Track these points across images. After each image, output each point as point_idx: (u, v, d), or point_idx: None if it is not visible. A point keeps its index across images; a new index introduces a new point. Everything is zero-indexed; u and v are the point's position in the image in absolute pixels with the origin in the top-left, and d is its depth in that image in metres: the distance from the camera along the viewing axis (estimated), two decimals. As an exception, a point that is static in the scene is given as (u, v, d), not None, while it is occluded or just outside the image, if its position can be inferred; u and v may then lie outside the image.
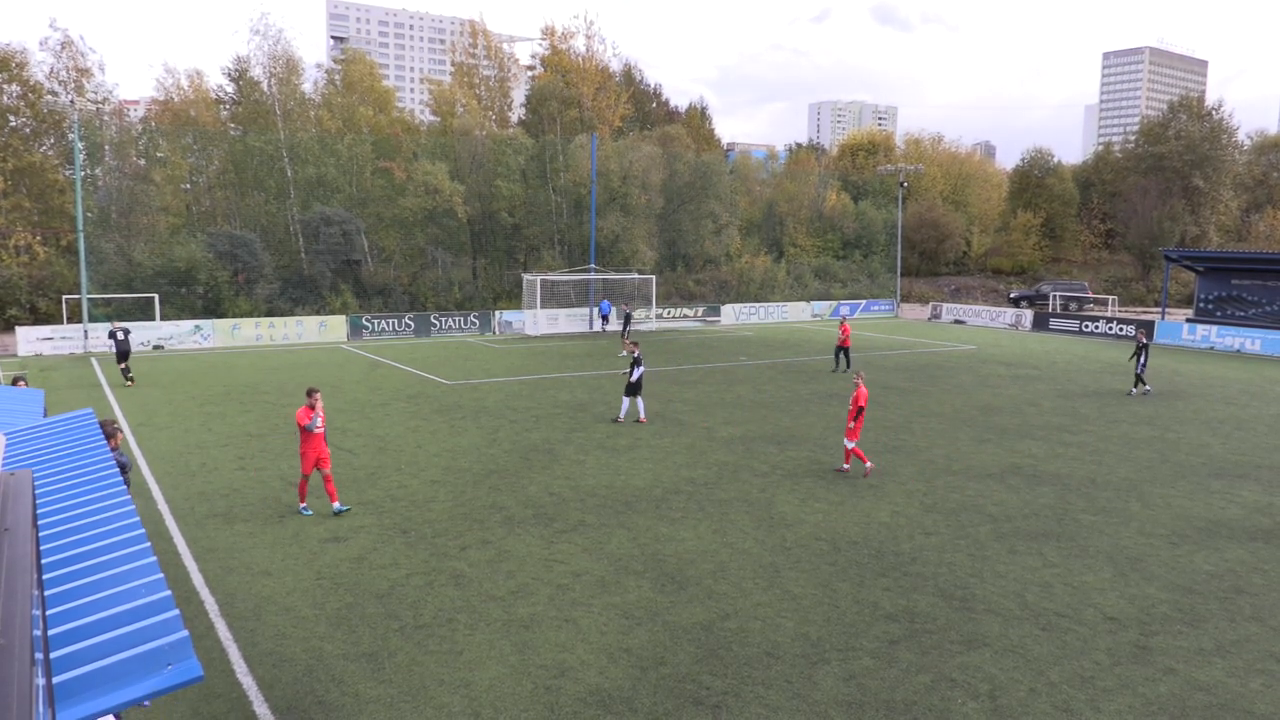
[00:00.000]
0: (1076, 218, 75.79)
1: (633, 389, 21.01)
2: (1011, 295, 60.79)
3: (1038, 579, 11.42)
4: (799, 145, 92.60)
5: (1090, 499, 15.16)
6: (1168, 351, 38.29)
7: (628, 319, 36.73)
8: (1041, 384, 27.96)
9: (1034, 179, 75.03)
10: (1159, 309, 50.90)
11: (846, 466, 16.73)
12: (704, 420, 21.44)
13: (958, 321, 51.66)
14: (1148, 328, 42.23)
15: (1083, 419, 22.33)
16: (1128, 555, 12.37)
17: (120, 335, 26.92)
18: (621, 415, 21.14)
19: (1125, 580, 11.43)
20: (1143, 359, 26.09)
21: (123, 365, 26.75)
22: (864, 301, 57.39)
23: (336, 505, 13.78)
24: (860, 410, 16.23)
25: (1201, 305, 43.74)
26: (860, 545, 12.60)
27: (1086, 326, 45.18)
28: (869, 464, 16.54)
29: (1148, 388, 26.44)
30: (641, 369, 21.15)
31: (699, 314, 49.50)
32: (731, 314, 50.45)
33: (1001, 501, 14.91)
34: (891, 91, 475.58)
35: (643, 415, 21.06)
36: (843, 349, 29.93)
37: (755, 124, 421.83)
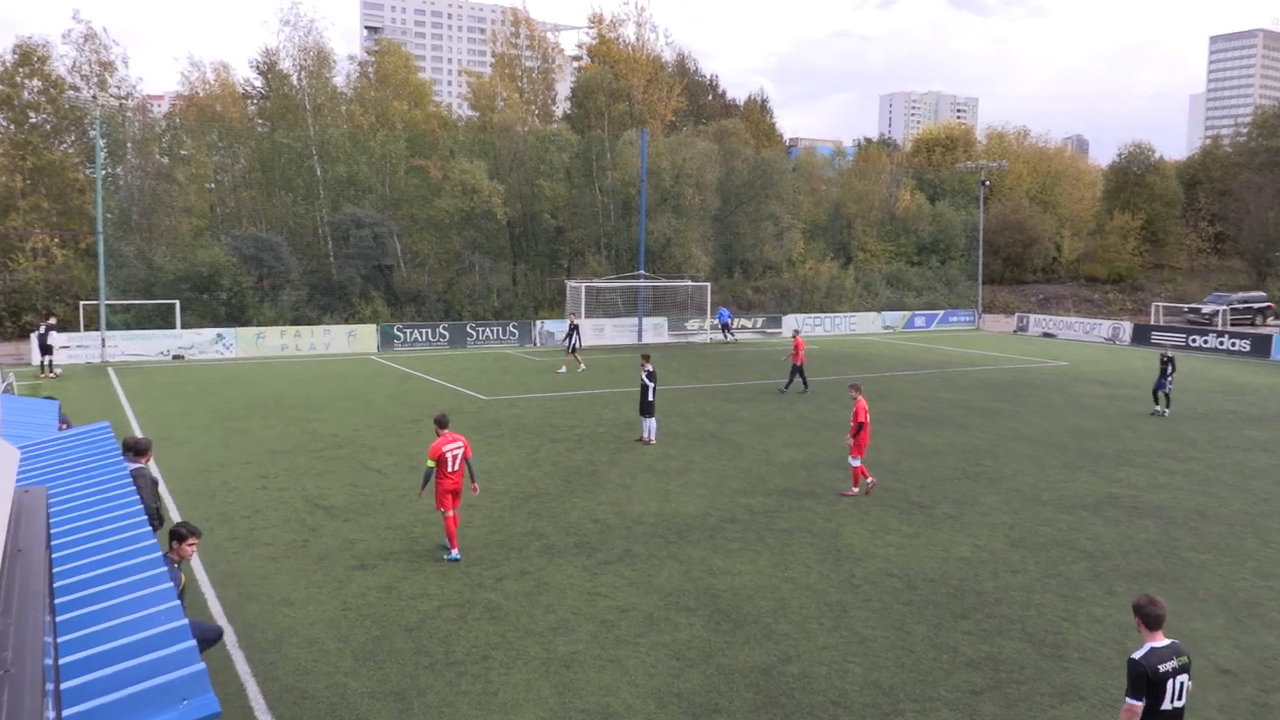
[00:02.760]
0: (1181, 219, 74.17)
1: (649, 407, 21.01)
2: (1190, 308, 56.59)
3: (1139, 624, 11.10)
4: (868, 140, 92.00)
5: (1199, 535, 14.75)
6: (1287, 370, 37.15)
7: (573, 330, 34.97)
8: (1142, 405, 27.30)
9: (1132, 176, 73.54)
10: (1278, 321, 49.42)
11: (855, 489, 16.77)
12: (763, 442, 21.32)
13: (1047, 334, 50.78)
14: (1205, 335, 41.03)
15: (1189, 444, 21.75)
16: (1243, 599, 11.99)
17: (43, 330, 31.86)
18: (646, 434, 21.06)
19: (1241, 627, 11.07)
20: (1170, 376, 25.51)
21: (46, 359, 31.36)
22: (941, 312, 56.68)
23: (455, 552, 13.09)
24: (861, 425, 16.58)
25: (1326, 318, 42.43)
26: (938, 583, 12.39)
27: (1193, 340, 44.07)
28: (871, 479, 16.91)
29: (1159, 409, 25.77)
30: (654, 385, 21.20)
31: (758, 325, 49.26)
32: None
33: (1097, 536, 14.58)
34: (970, 81, 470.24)
35: (648, 435, 21.09)
36: (798, 367, 28.41)
37: (818, 117, 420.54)
